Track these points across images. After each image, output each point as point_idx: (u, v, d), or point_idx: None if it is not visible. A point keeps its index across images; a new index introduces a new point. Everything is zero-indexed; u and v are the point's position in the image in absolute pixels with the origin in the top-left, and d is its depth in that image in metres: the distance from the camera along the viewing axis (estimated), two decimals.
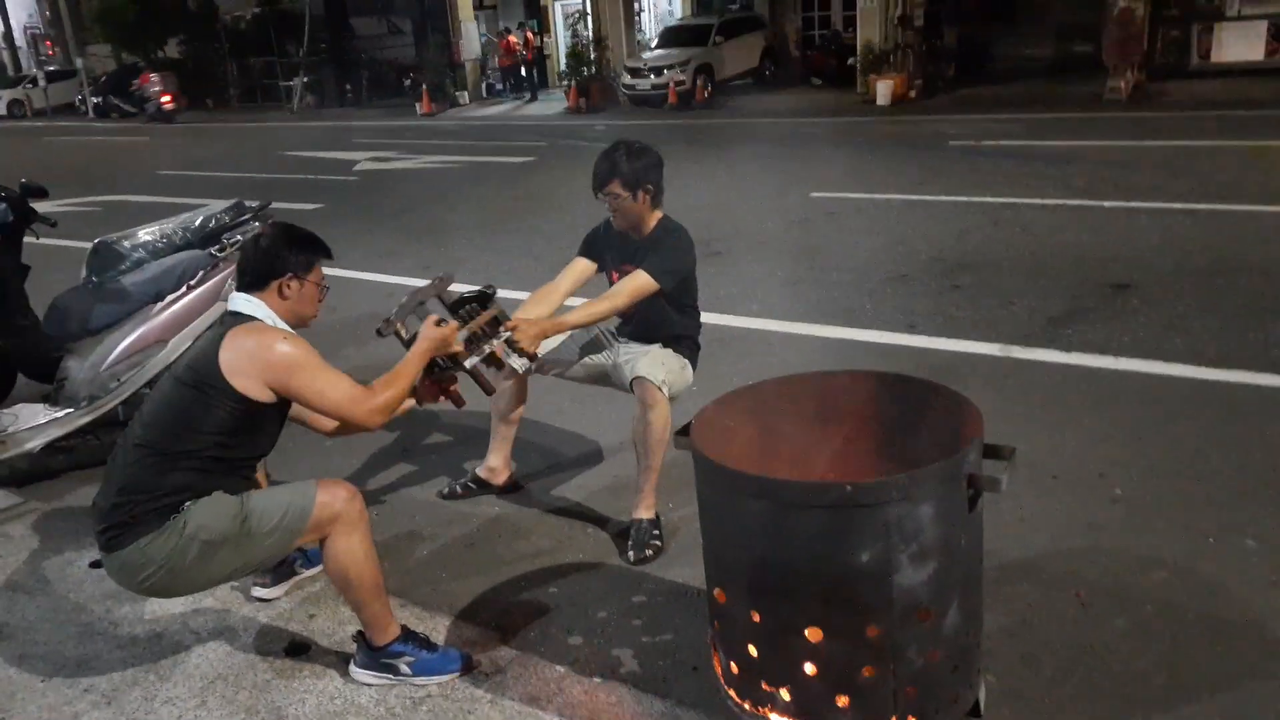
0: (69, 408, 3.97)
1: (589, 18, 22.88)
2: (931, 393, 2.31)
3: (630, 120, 17.30)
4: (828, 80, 20.03)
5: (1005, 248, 6.70)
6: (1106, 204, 7.76)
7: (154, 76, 26.02)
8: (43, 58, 32.58)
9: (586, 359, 3.48)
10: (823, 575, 1.96)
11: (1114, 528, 3.14)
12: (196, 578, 2.49)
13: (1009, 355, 4.68)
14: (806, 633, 2.01)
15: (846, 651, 2.00)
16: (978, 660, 2.20)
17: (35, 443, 3.89)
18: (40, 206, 4.44)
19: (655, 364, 3.18)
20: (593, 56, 21.51)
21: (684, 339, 3.41)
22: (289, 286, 2.60)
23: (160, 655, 2.78)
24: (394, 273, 7.21)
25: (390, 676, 2.58)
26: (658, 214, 3.33)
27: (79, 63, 29.44)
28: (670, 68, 19.58)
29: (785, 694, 2.07)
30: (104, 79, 29.27)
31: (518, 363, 3.02)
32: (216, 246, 4.29)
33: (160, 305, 4.05)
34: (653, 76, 19.78)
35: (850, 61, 18.71)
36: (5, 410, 4.01)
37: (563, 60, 24.49)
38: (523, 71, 24.73)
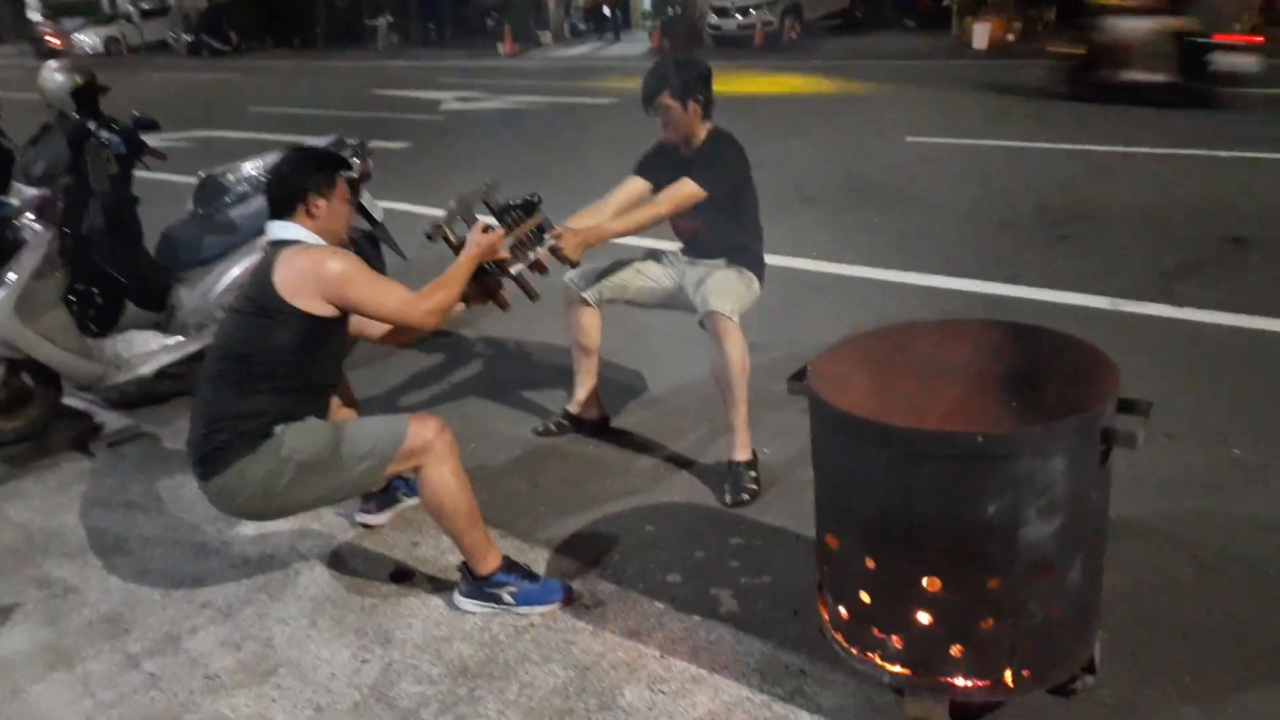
0: (179, 335, 4.09)
1: None
2: (1062, 344, 2.22)
3: (716, 61, 16.81)
4: (921, 22, 19.39)
5: (1115, 198, 6.43)
6: (1223, 154, 7.37)
7: None
8: None
9: (653, 282, 3.48)
10: (946, 526, 1.92)
11: (1233, 489, 3.02)
12: (290, 501, 2.56)
13: (1119, 309, 4.51)
14: (924, 582, 1.97)
15: (965, 602, 1.96)
16: (1097, 617, 2.14)
17: (147, 368, 4.02)
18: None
19: (723, 293, 3.15)
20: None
21: (746, 250, 3.37)
22: (316, 206, 2.61)
23: (271, 576, 2.87)
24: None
25: (494, 605, 2.62)
26: (708, 126, 3.29)
27: (172, 0, 29.99)
28: (758, 8, 19.14)
29: (896, 641, 2.04)
30: (196, 17, 29.76)
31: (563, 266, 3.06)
32: None
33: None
34: (739, 17, 19.37)
35: (945, 3, 18.04)
36: (118, 336, 4.14)
37: (647, 0, 24.10)
38: (606, 11, 24.43)
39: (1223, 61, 9.15)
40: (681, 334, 3.78)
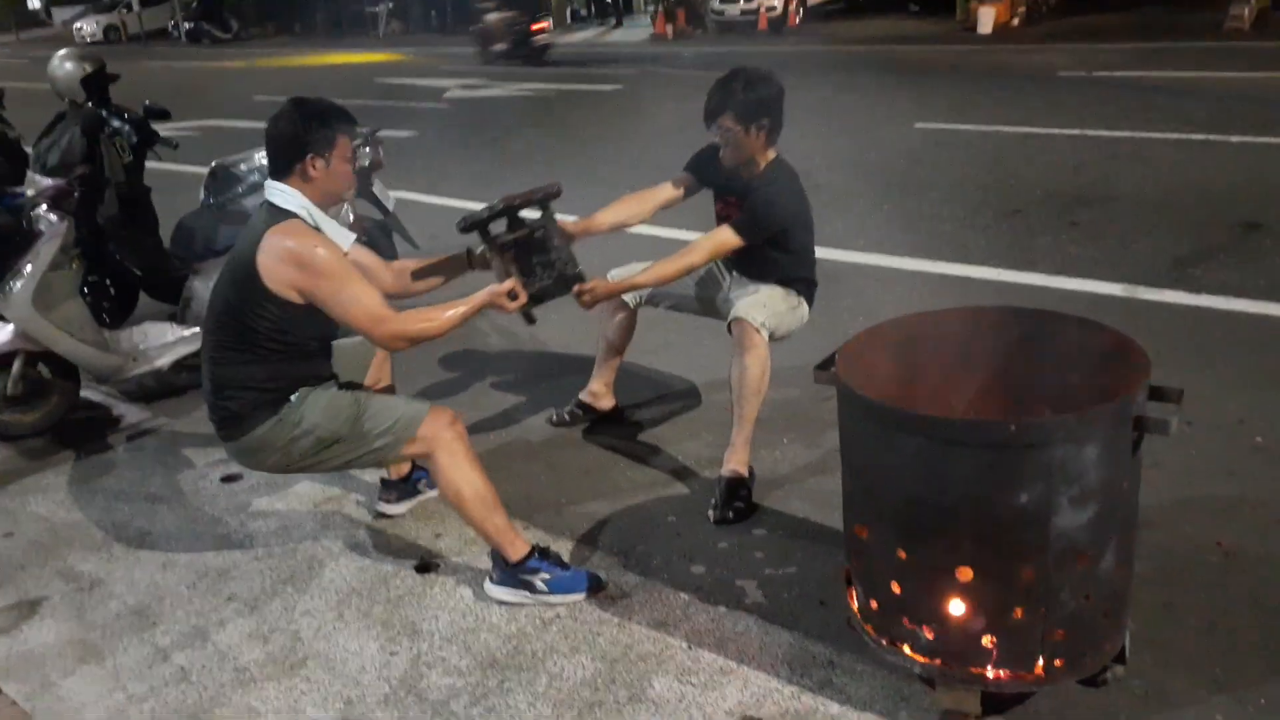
0: (195, 326, 4.09)
1: None
2: (1089, 330, 2.22)
3: (719, 47, 16.92)
4: (926, 6, 19.29)
5: (1125, 184, 6.41)
6: (1233, 139, 7.35)
7: None
8: None
9: (694, 290, 3.41)
10: (978, 515, 1.92)
11: (1255, 476, 3.02)
12: (310, 465, 2.66)
13: (1134, 296, 4.50)
14: (956, 572, 1.97)
15: (997, 592, 1.96)
16: (1128, 606, 2.14)
17: (163, 360, 4.02)
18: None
19: (757, 304, 3.06)
20: None
21: (797, 280, 3.23)
22: (313, 167, 2.52)
23: (295, 569, 2.88)
24: (490, 200, 7.20)
25: (527, 594, 2.63)
26: (770, 154, 3.09)
27: None
28: None
29: (927, 632, 2.05)
30: (196, 5, 29.67)
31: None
32: None
33: None
34: (742, 2, 19.28)
35: None
36: (134, 328, 4.14)
37: None
38: None
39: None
40: (715, 331, 3.78)
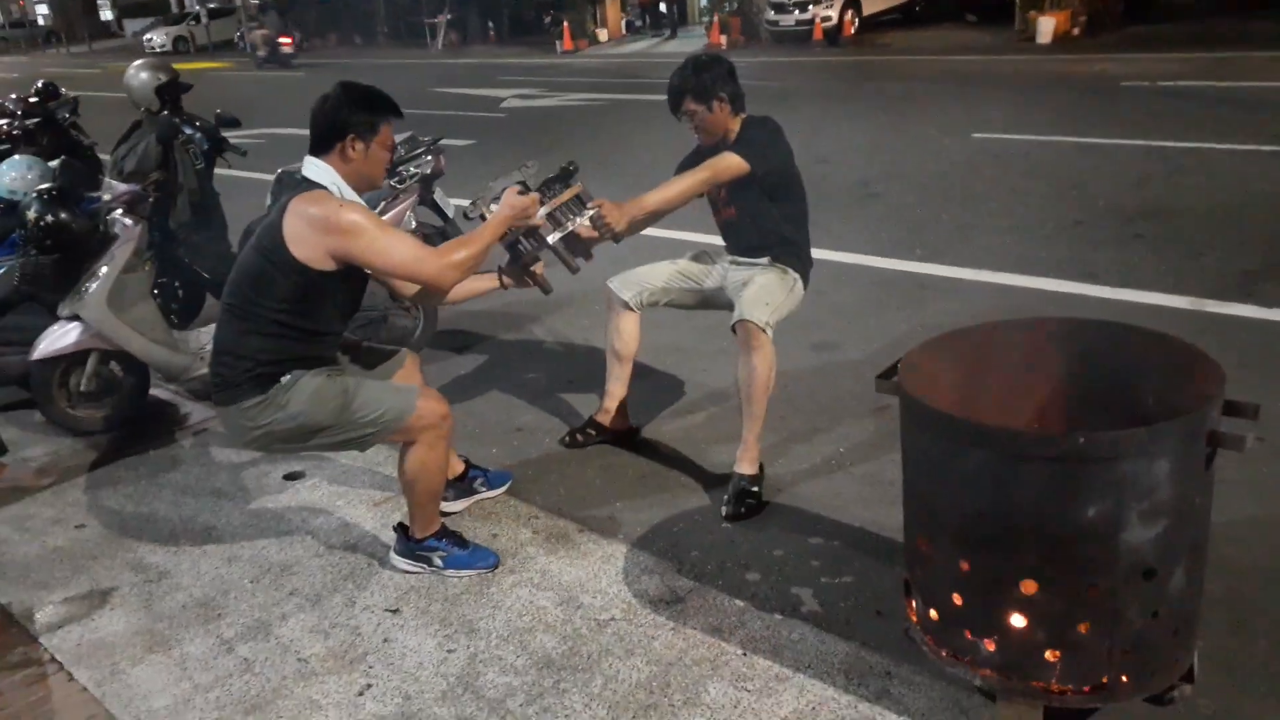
0: None
1: None
2: (1158, 343, 2.18)
3: (774, 58, 16.90)
4: (983, 16, 19.06)
5: (1191, 196, 6.27)
6: None
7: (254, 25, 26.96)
8: None
9: (694, 283, 3.43)
10: (1044, 529, 1.89)
11: None
12: (293, 448, 2.83)
13: (1201, 309, 4.40)
14: (1020, 586, 1.94)
15: (1063, 607, 1.93)
16: (1198, 625, 2.09)
17: None
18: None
19: (758, 301, 3.07)
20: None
21: (791, 245, 3.27)
22: (352, 148, 2.57)
23: (355, 565, 2.93)
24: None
25: (424, 566, 2.84)
26: (741, 118, 3.22)
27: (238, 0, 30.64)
28: (816, 2, 18.98)
29: (989, 645, 2.02)
30: (260, 16, 30.36)
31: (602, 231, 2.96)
32: (395, 179, 4.40)
33: None
34: (797, 12, 19.25)
35: None
36: (202, 329, 4.25)
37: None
38: (662, 8, 24.42)
39: None
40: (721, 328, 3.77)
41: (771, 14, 19.75)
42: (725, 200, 3.32)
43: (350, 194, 2.60)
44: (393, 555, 2.88)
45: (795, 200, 3.30)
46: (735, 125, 3.20)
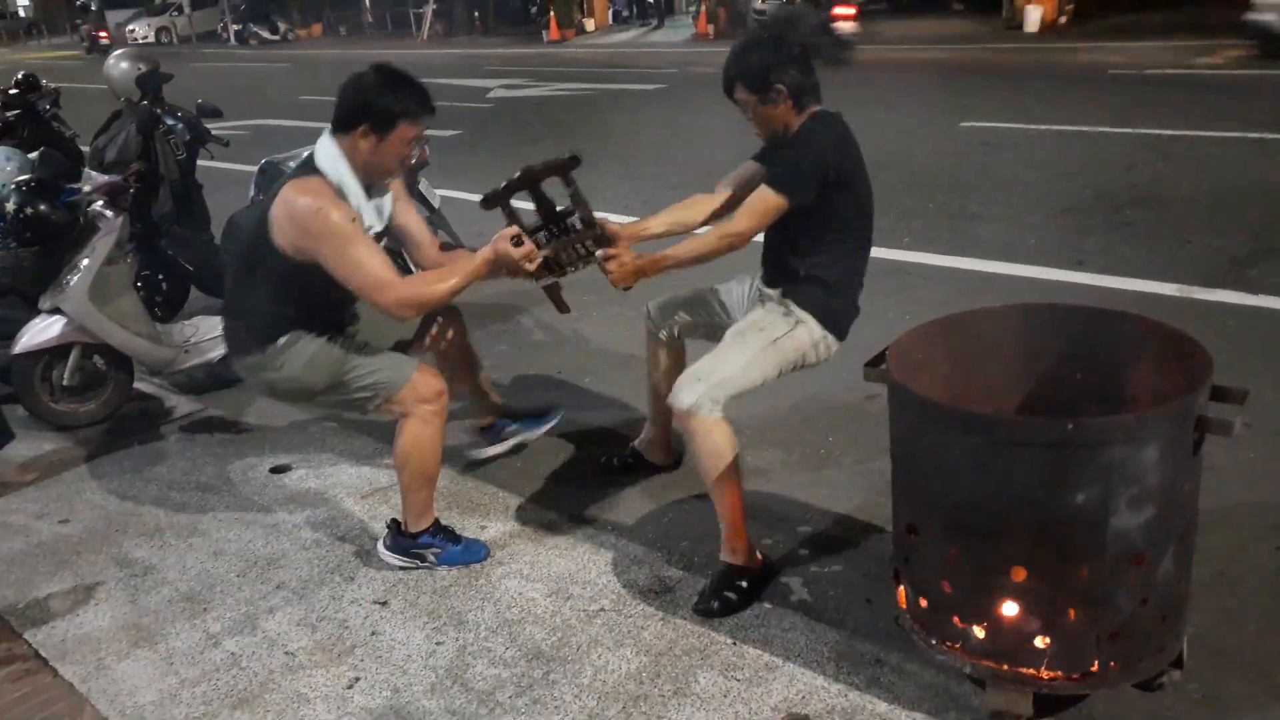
0: None
1: None
2: (1147, 329, 2.18)
3: None
4: (971, 4, 19.06)
5: (1179, 183, 6.28)
6: None
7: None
8: None
9: (726, 315, 2.91)
10: (1033, 515, 1.89)
11: None
12: (301, 403, 3.06)
13: (1188, 296, 4.41)
14: (1010, 573, 1.94)
15: (1052, 594, 1.93)
16: (1186, 610, 2.10)
17: (215, 353, 4.07)
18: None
19: (697, 373, 2.53)
20: None
21: (816, 284, 2.67)
22: (365, 139, 2.51)
23: (343, 558, 2.91)
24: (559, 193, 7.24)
25: (416, 563, 2.82)
26: (808, 113, 2.63)
27: None
28: None
29: (979, 632, 2.02)
30: (243, 7, 30.18)
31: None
32: None
33: None
34: (783, 1, 19.16)
35: None
36: (185, 322, 4.22)
37: None
38: None
39: None
40: None
41: (759, 3, 19.67)
42: None
43: (351, 185, 2.55)
44: (382, 550, 2.85)
45: (844, 220, 2.68)
46: (796, 124, 2.62)
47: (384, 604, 2.68)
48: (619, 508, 3.08)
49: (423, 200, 4.77)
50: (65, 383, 3.82)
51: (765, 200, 2.53)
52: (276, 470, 3.47)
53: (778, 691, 2.24)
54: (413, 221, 2.84)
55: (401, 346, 3.01)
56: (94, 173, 3.91)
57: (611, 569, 2.75)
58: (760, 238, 2.67)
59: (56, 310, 3.73)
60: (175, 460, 3.63)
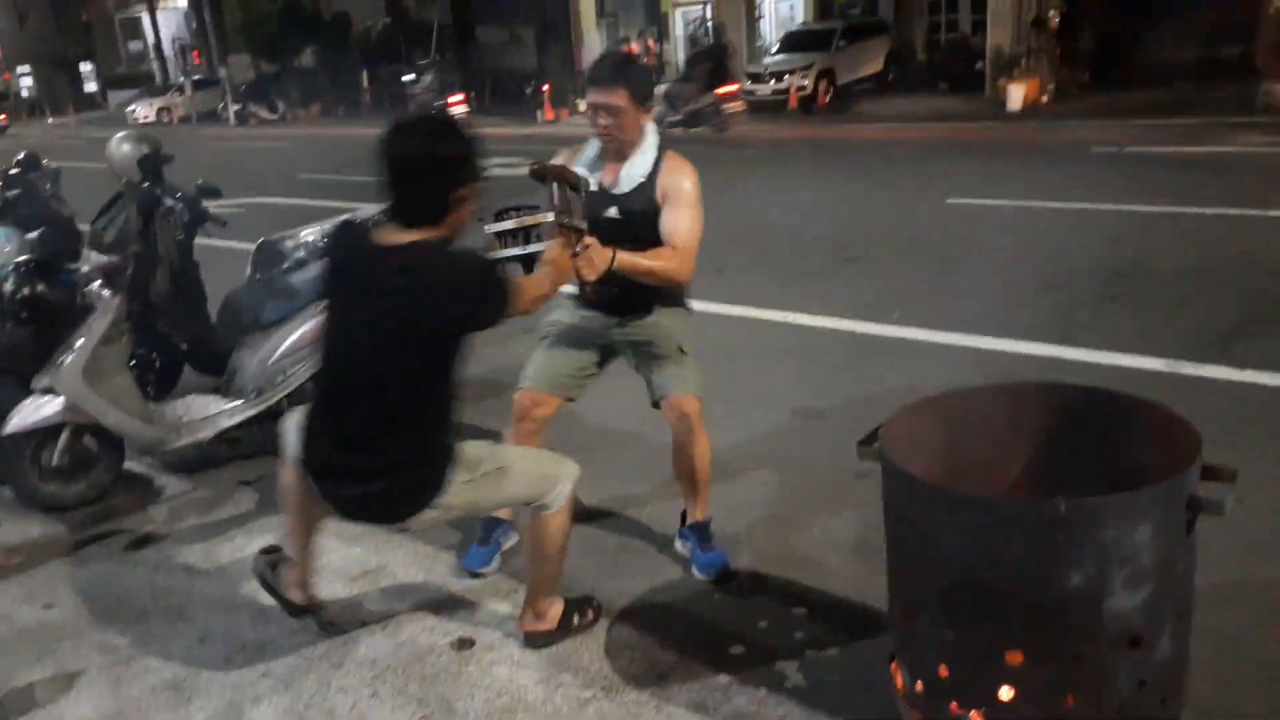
0: (238, 399, 4.14)
1: (710, 24, 22.89)
2: (1136, 407, 2.19)
3: (751, 125, 17.17)
4: (954, 85, 19.50)
5: (1164, 258, 6.37)
6: (1272, 213, 7.30)
7: None
8: (189, 68, 34.51)
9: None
10: (1029, 596, 1.87)
11: None
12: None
13: (1176, 371, 4.44)
14: (1006, 656, 1.92)
15: (1050, 677, 1.91)
16: (1184, 692, 2.07)
17: (206, 432, 4.06)
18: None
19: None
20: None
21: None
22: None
23: (332, 643, 2.86)
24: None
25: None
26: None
27: (222, 72, 30.98)
28: (791, 72, 19.39)
29: (977, 717, 1.99)
30: (244, 87, 30.75)
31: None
32: None
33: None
34: (773, 82, 19.60)
35: (979, 65, 18.20)
36: (178, 401, 4.21)
37: (682, 66, 24.51)
38: None
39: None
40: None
41: (748, 84, 20.11)
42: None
43: None
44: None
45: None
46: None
47: (373, 693, 2.62)
48: (609, 589, 3.04)
49: None
50: (54, 463, 3.79)
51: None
52: (266, 553, 3.42)
53: None
54: None
55: None
56: (93, 253, 3.95)
57: (603, 653, 2.71)
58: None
59: (49, 390, 3.72)
60: (163, 542, 3.59)
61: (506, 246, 2.63)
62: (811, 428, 4.19)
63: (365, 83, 30.20)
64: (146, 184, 4.18)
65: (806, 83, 19.28)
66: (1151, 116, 13.40)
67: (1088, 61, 18.08)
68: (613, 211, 2.89)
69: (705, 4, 24.13)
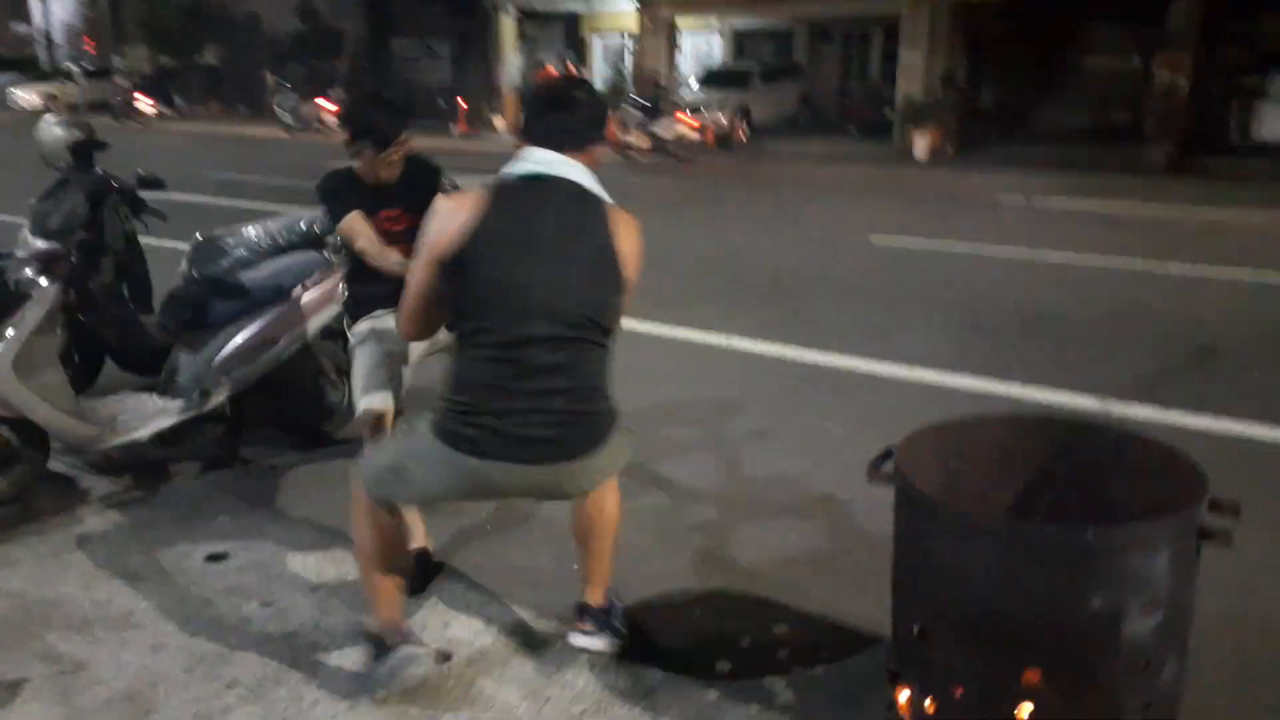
0: (178, 399, 3.93)
1: (630, 55, 23.14)
2: (1130, 441, 2.29)
3: (668, 157, 17.37)
4: (863, 130, 20.20)
5: (1080, 305, 6.71)
6: (1172, 269, 7.79)
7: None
8: (78, 54, 32.90)
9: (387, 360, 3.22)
10: (1047, 621, 1.93)
11: (1263, 589, 3.09)
12: None
13: (1107, 410, 4.66)
14: (1022, 677, 1.97)
15: (1064, 700, 1.96)
16: (1180, 713, 2.15)
17: (142, 432, 3.83)
18: None
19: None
20: (633, 91, 21.67)
21: None
22: (598, 149, 2.43)
23: (297, 654, 2.73)
24: None
25: (615, 640, 2.71)
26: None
27: (116, 61, 29.67)
28: (709, 108, 19.72)
29: None
30: (142, 79, 29.53)
31: None
32: (327, 250, 4.27)
33: (279, 303, 4.00)
34: (690, 116, 19.90)
35: (887, 112, 18.90)
36: (111, 398, 3.98)
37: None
38: None
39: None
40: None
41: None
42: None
43: None
44: (586, 640, 2.71)
45: None
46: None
47: (350, 706, 2.51)
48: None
49: None
50: None
51: None
52: (213, 559, 3.26)
53: None
54: None
55: None
56: (32, 238, 3.70)
57: (589, 669, 2.66)
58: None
59: None
60: (96, 546, 3.36)
61: None
62: (764, 452, 4.22)
63: (271, 85, 29.40)
64: (98, 170, 3.97)
65: (723, 120, 19.64)
66: (1051, 171, 14.10)
67: (990, 118, 19.02)
68: None
69: (624, 33, 24.42)
